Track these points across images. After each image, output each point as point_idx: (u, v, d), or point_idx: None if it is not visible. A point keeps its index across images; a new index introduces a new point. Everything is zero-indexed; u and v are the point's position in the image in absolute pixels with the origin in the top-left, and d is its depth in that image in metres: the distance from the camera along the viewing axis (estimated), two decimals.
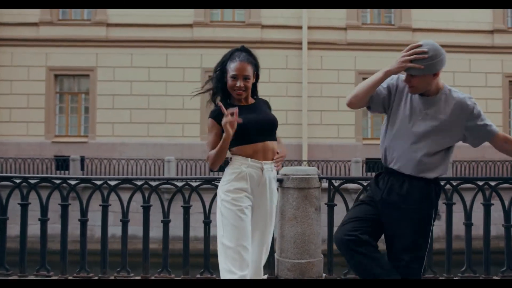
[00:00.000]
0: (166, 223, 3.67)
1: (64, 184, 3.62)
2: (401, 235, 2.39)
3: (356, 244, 2.38)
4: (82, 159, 13.79)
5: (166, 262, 3.63)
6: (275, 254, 3.66)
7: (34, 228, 3.67)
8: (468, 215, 3.66)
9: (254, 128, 2.50)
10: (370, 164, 13.97)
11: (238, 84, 2.50)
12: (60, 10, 15.22)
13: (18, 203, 3.59)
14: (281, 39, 15.24)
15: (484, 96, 15.54)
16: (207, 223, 3.61)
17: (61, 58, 14.93)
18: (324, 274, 3.64)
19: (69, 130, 15.30)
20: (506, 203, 3.64)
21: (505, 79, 15.51)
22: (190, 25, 15.16)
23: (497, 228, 4.18)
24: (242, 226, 2.41)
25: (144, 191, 3.65)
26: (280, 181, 3.49)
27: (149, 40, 14.95)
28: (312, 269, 3.50)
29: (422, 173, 2.38)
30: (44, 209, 3.65)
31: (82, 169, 13.78)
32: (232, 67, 2.54)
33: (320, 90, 15.27)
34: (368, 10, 15.88)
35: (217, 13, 15.61)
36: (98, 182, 3.61)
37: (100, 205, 3.62)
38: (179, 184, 3.72)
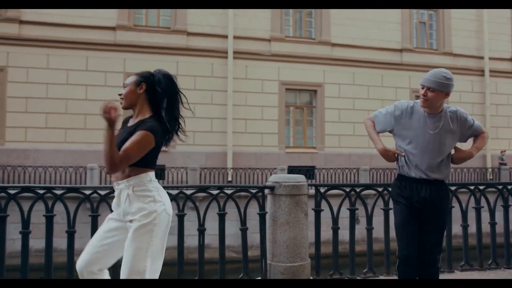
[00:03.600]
0: None
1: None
2: (435, 232, 2.85)
3: None
4: None
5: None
6: (268, 259, 3.76)
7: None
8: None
9: None
10: (295, 171, 14.46)
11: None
12: None
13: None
14: (206, 47, 15.28)
15: None
16: (202, 231, 3.71)
17: None
18: (311, 277, 3.81)
19: None
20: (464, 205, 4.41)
21: (412, 93, 16.96)
22: (113, 28, 14.63)
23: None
24: None
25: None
26: (271, 188, 3.60)
27: (67, 41, 14.16)
28: (304, 272, 3.67)
29: (446, 177, 2.90)
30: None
31: None
32: None
33: (245, 99, 15.53)
34: (291, 23, 16.53)
35: (141, 17, 15.25)
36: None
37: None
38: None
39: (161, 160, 11.50)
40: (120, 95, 2.49)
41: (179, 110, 2.55)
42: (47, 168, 13.01)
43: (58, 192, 3.57)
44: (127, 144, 2.30)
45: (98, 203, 3.57)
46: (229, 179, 14.51)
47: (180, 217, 3.66)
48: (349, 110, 16.59)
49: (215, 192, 3.79)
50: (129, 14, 14.82)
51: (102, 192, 3.57)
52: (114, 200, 2.46)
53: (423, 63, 17.15)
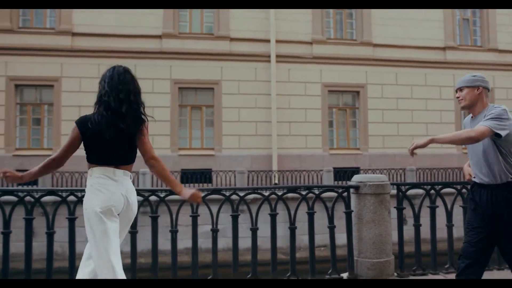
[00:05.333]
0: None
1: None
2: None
3: None
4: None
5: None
6: (354, 256, 3.90)
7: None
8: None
9: None
10: (341, 173, 14.49)
11: None
12: (21, 17, 14.63)
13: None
14: (249, 52, 15.51)
15: (438, 108, 16.68)
16: (293, 229, 3.87)
17: (22, 68, 14.30)
18: (395, 273, 3.92)
19: (31, 142, 14.63)
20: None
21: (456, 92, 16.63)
22: (159, 36, 15.08)
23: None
24: None
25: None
26: (356, 187, 3.73)
27: (116, 51, 14.68)
28: (389, 267, 3.79)
29: (498, 180, 2.82)
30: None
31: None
32: None
33: (288, 102, 15.68)
34: (332, 25, 16.57)
35: (186, 25, 15.64)
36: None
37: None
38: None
39: (207, 163, 11.94)
40: None
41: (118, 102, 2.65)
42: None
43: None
44: None
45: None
46: (276, 181, 14.67)
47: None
48: (392, 111, 16.48)
49: (304, 192, 3.95)
50: (174, 22, 15.23)
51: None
52: None
53: (467, 60, 16.88)
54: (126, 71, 2.76)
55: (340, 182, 14.49)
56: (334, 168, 15.18)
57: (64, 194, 3.62)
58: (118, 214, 2.62)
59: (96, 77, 12.79)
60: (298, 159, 15.56)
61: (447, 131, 15.31)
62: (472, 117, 2.96)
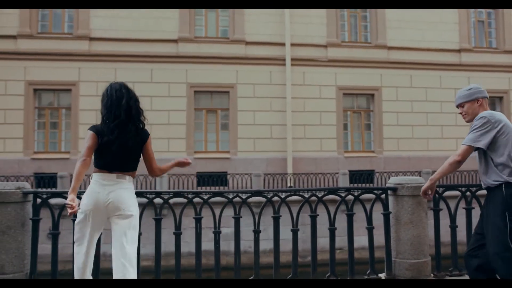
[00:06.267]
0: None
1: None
2: None
3: None
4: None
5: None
6: (392, 256, 3.94)
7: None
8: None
9: None
10: (357, 175, 14.49)
11: None
12: (40, 23, 14.84)
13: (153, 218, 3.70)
14: (265, 56, 15.59)
15: (453, 110, 16.45)
16: (332, 230, 3.99)
17: (40, 72, 14.50)
18: (432, 274, 3.95)
19: (49, 146, 14.80)
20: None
21: None
22: (175, 41, 15.21)
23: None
24: None
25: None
26: (393, 189, 3.77)
27: (133, 55, 14.84)
28: (427, 268, 3.83)
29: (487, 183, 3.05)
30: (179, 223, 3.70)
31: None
32: None
33: (303, 105, 15.71)
34: (347, 28, 16.60)
35: (201, 29, 15.76)
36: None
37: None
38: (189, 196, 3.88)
39: (223, 166, 12.03)
40: None
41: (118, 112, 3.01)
42: None
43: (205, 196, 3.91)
44: None
45: (240, 207, 3.88)
46: (290, 184, 14.70)
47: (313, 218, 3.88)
48: (407, 113, 16.46)
49: (343, 194, 4.00)
50: (189, 27, 15.35)
51: (243, 196, 3.85)
52: None
53: (482, 62, 16.85)
54: (122, 86, 3.10)
55: (355, 185, 14.49)
56: (349, 171, 15.19)
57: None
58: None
59: (113, 81, 12.82)
60: (313, 162, 15.59)
61: (461, 133, 15.26)
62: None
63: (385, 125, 16.32)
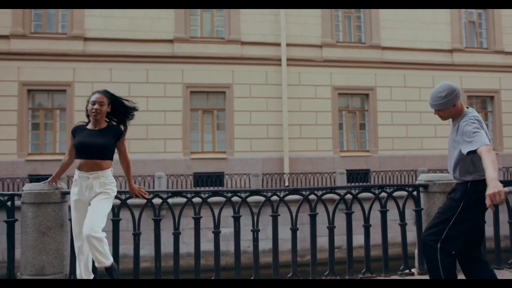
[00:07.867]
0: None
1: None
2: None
3: None
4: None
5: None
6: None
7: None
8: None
9: (79, 148, 3.37)
10: (354, 174, 14.59)
11: (95, 107, 3.42)
12: (33, 23, 14.65)
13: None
14: (260, 56, 15.62)
15: None
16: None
17: (34, 73, 14.32)
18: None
19: (43, 147, 14.62)
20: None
21: (463, 93, 16.85)
22: (170, 41, 15.15)
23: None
24: None
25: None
26: (425, 186, 3.82)
27: (128, 55, 14.74)
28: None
29: (460, 179, 3.16)
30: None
31: None
32: (92, 98, 3.50)
33: (299, 105, 15.78)
34: (341, 28, 16.72)
35: (197, 29, 15.72)
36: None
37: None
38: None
39: (220, 167, 12.02)
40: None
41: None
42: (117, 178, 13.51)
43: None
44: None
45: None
46: (287, 184, 14.75)
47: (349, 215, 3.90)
48: (401, 113, 16.64)
49: (377, 191, 4.05)
50: (185, 27, 15.31)
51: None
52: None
53: (474, 62, 17.12)
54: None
55: (352, 184, 14.58)
56: (346, 170, 15.29)
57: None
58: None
59: (109, 82, 12.98)
60: (310, 161, 15.66)
61: None
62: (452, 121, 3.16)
63: (380, 124, 16.47)
